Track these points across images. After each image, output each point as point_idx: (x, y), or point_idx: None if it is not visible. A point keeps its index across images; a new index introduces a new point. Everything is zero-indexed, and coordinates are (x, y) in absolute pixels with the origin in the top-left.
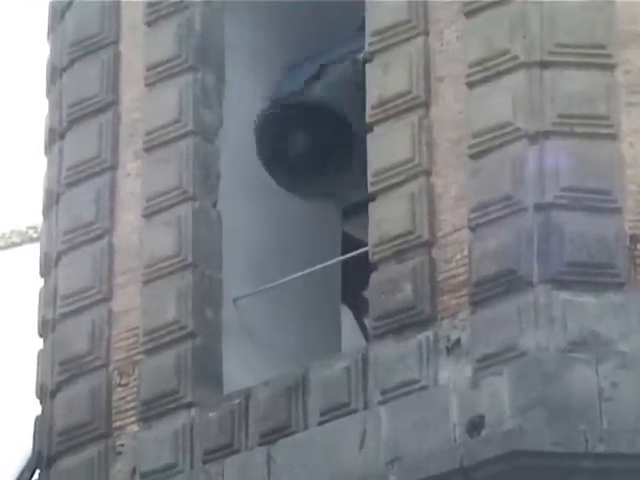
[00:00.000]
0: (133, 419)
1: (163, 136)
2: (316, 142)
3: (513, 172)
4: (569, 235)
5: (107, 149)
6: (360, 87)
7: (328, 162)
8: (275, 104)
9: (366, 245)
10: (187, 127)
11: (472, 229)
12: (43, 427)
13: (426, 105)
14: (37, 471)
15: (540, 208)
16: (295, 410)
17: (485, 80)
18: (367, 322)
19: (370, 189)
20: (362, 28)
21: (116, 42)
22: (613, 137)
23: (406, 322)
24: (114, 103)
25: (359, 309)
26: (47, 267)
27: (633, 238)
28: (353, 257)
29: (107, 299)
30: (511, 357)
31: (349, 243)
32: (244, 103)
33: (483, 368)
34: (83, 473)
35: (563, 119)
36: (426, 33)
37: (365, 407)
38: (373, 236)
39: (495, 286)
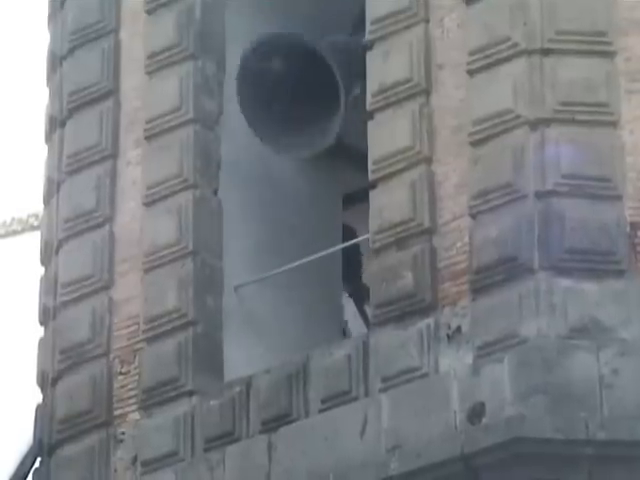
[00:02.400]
0: (134, 407)
1: (164, 124)
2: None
3: (514, 159)
4: (570, 222)
5: (108, 137)
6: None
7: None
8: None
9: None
10: (188, 115)
11: (473, 216)
12: (44, 415)
13: (427, 93)
14: (38, 459)
15: (541, 195)
16: (296, 398)
17: (486, 67)
18: (368, 310)
19: (371, 177)
20: (361, 18)
21: (116, 30)
22: (613, 124)
23: (407, 310)
24: (114, 91)
25: (360, 297)
26: (48, 255)
27: (634, 225)
28: (353, 245)
29: (108, 287)
30: (512, 344)
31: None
32: None
33: (484, 355)
34: (84, 461)
35: (564, 106)
36: (426, 21)
37: (366, 395)
38: (374, 224)
39: (496, 273)
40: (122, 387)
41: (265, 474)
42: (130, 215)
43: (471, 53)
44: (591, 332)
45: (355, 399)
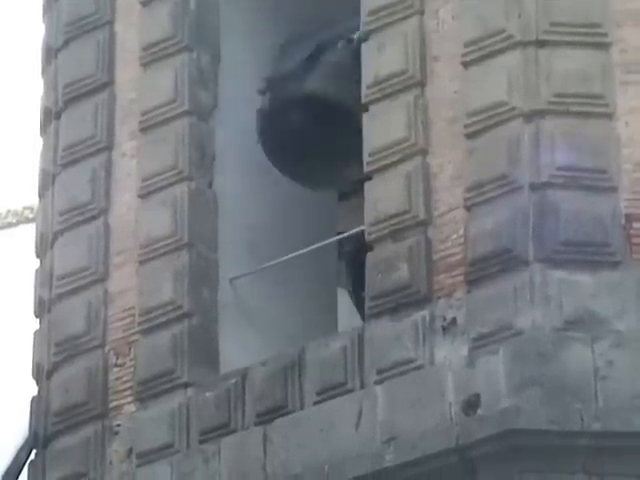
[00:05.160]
0: (129, 399)
1: (159, 116)
2: (316, 130)
3: (509, 151)
4: (565, 214)
5: (103, 129)
6: (356, 69)
7: (329, 150)
8: (274, 99)
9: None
10: (183, 107)
11: (468, 208)
12: (39, 407)
13: (421, 84)
14: (33, 451)
15: (536, 187)
16: (291, 390)
17: (480, 59)
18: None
19: (366, 169)
20: (358, 7)
21: (111, 22)
22: (609, 116)
23: (402, 302)
24: (109, 83)
25: (355, 289)
26: (43, 247)
27: (628, 217)
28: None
29: (103, 279)
30: (507, 336)
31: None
32: (240, 82)
33: (479, 347)
34: (79, 453)
35: (558, 98)
36: (421, 12)
37: (361, 387)
38: (369, 215)
39: (491, 265)
40: (117, 379)
41: (260, 466)
42: (125, 207)
43: (466, 45)
44: (586, 324)
45: (350, 391)
